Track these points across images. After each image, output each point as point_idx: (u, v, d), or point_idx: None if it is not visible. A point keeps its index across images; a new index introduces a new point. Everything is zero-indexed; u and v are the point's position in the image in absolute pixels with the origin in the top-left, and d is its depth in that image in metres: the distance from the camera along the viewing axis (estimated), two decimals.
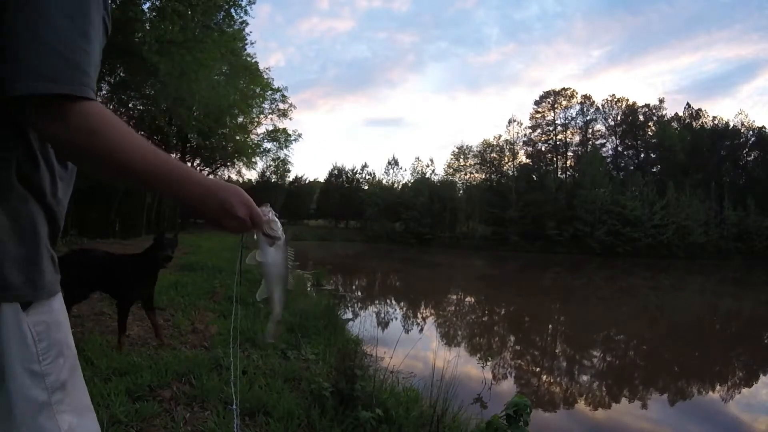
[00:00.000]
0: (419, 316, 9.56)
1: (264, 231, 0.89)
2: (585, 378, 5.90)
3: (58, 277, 0.82)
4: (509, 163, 45.07)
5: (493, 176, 45.30)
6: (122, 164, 0.72)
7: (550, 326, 9.56)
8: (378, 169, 76.19)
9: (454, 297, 13.00)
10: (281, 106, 32.93)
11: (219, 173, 36.85)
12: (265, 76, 29.47)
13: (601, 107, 47.37)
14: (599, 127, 47.45)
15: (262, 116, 32.48)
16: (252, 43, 27.34)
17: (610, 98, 47.68)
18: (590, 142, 46.38)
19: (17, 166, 0.72)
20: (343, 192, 49.25)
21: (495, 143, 45.36)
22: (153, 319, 3.34)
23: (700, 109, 47.20)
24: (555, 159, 47.06)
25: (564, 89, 47.20)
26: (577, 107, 46.99)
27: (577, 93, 47.03)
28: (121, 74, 14.43)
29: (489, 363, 5.79)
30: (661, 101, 47.31)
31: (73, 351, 0.85)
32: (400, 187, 46.13)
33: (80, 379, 0.86)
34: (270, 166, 48.67)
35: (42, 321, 0.77)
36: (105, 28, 0.78)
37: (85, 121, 0.68)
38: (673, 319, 10.50)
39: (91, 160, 0.72)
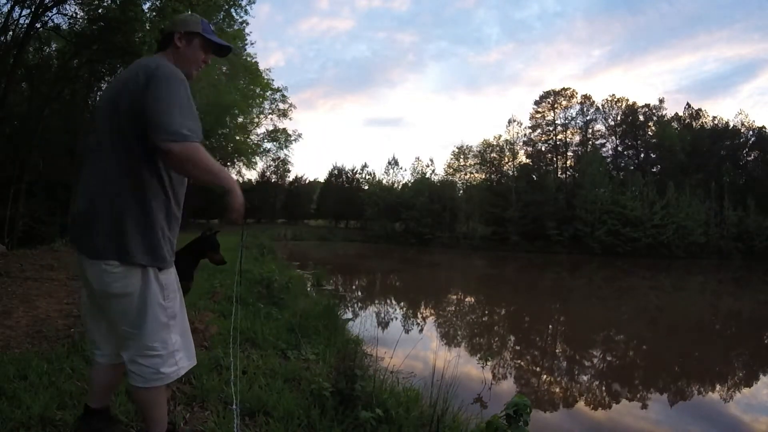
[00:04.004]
0: (419, 316, 9.56)
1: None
2: (585, 378, 5.90)
3: (173, 257, 1.58)
4: (509, 163, 45.02)
5: (493, 176, 45.23)
6: (204, 177, 1.46)
7: (550, 326, 9.56)
8: (378, 169, 76.06)
9: (454, 297, 13.00)
10: (281, 106, 33.02)
11: None
12: (265, 77, 29.48)
13: (601, 107, 47.33)
14: (599, 127, 47.42)
15: (262, 116, 32.54)
16: (252, 43, 27.38)
17: (610, 98, 47.64)
18: (590, 142, 46.33)
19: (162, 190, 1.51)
20: (343, 192, 49.22)
21: (495, 143, 45.30)
22: None
23: (700, 109, 47.18)
24: (555, 159, 47.01)
25: (564, 89, 47.18)
26: (577, 107, 46.93)
27: (577, 93, 47.00)
28: None
29: (489, 363, 5.80)
30: (661, 101, 47.24)
31: (181, 297, 1.64)
32: (400, 187, 46.07)
33: (184, 313, 1.65)
34: (270, 166, 48.92)
35: (166, 278, 1.54)
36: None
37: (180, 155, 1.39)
38: (673, 319, 10.50)
39: (190, 174, 1.49)
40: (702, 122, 46.36)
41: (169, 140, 1.36)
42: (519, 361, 6.54)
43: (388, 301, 11.40)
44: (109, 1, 10.88)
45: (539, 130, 47.07)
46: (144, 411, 1.61)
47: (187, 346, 1.62)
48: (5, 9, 11.47)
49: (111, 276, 1.44)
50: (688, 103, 50.65)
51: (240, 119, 28.87)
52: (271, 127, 33.83)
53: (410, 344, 5.00)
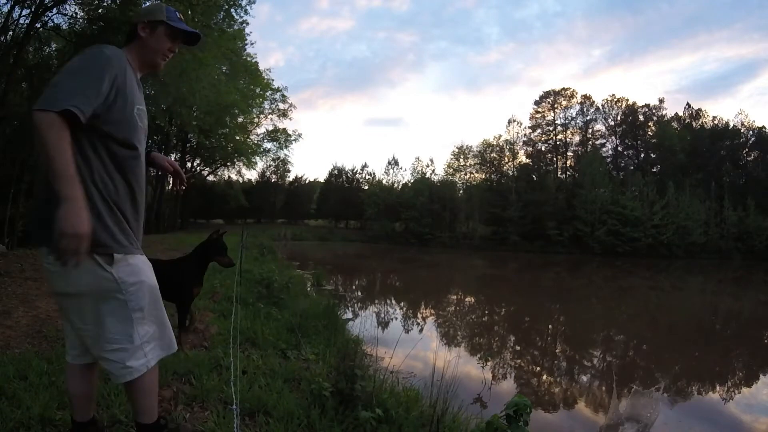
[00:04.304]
0: (419, 316, 9.56)
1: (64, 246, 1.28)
2: (585, 378, 5.90)
3: (122, 244, 1.44)
4: (509, 163, 45.07)
5: (493, 176, 45.26)
6: (45, 160, 1.27)
7: (550, 326, 9.56)
8: (378, 169, 76.23)
9: (454, 297, 13.00)
10: (281, 106, 33.00)
11: (219, 173, 36.93)
12: (265, 77, 29.47)
13: (601, 107, 47.41)
14: (599, 127, 47.50)
15: (262, 116, 32.50)
16: (252, 43, 27.37)
17: (610, 98, 47.73)
18: (590, 142, 46.40)
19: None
20: (343, 192, 49.23)
21: (495, 143, 45.37)
22: (192, 312, 3.59)
23: (700, 109, 47.25)
24: (555, 159, 47.06)
25: (564, 89, 47.25)
26: (577, 107, 47.04)
27: (577, 93, 47.09)
28: None
29: (489, 363, 5.79)
30: (661, 101, 47.33)
31: (150, 285, 1.52)
32: (400, 187, 46.10)
33: (157, 302, 1.55)
34: (270, 166, 48.90)
35: (120, 269, 1.42)
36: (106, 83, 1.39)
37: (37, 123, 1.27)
38: (673, 319, 10.50)
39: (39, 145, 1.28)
40: (702, 122, 46.41)
41: (37, 106, 1.27)
42: (519, 361, 6.54)
43: (388, 301, 11.40)
44: (109, 1, 10.88)
45: (539, 130, 47.15)
46: (131, 400, 1.59)
47: (163, 335, 1.56)
48: (5, 9, 11.47)
49: (52, 274, 1.41)
50: (688, 103, 50.79)
51: (240, 119, 28.83)
52: (271, 127, 33.81)
53: (410, 344, 4.99)
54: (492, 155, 45.16)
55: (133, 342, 1.46)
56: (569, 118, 47.00)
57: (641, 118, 46.77)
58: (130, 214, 1.49)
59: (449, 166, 46.93)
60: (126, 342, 1.45)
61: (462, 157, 46.56)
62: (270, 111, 32.80)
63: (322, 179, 54.55)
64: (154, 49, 1.58)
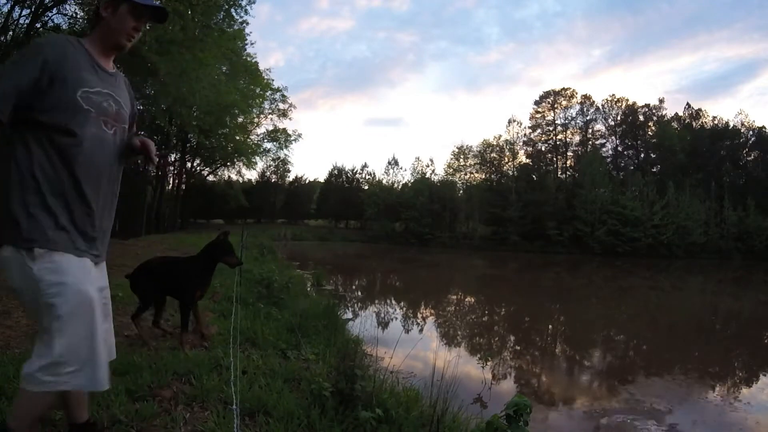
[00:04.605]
0: (419, 316, 9.56)
1: None
2: (585, 378, 5.90)
3: (54, 242, 1.35)
4: (509, 163, 45.10)
5: (493, 176, 45.30)
6: None
7: (550, 326, 9.56)
8: (378, 169, 76.25)
9: (454, 297, 13.00)
10: (281, 106, 32.96)
11: (219, 173, 36.90)
12: (265, 77, 29.44)
13: (601, 107, 47.46)
14: (599, 127, 47.57)
15: (262, 116, 32.47)
16: (252, 43, 27.32)
17: (610, 98, 47.78)
18: (590, 142, 46.43)
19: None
20: (343, 192, 49.26)
21: (495, 143, 45.41)
22: (198, 314, 3.56)
23: (700, 109, 47.32)
24: (555, 159, 47.09)
25: (564, 89, 47.28)
26: (577, 107, 47.10)
27: (577, 93, 47.12)
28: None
29: (489, 363, 5.79)
30: (661, 101, 47.41)
31: (78, 296, 1.34)
32: (400, 187, 46.15)
33: (90, 323, 1.35)
34: (270, 166, 48.92)
35: (43, 267, 1.31)
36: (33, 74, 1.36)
37: None
38: (673, 319, 10.50)
39: None
40: (702, 122, 46.45)
41: None
42: (519, 361, 6.53)
43: (388, 301, 11.39)
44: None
45: (539, 130, 47.18)
46: (16, 399, 1.50)
47: (87, 363, 1.35)
48: (5, 9, 11.46)
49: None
50: (688, 103, 50.86)
51: (240, 119, 28.80)
52: (271, 127, 33.78)
53: (410, 344, 5.00)
54: (492, 155, 45.18)
55: (52, 354, 1.31)
56: (569, 118, 47.11)
57: (641, 118, 46.81)
58: (77, 207, 1.41)
59: (449, 166, 47.01)
60: (45, 350, 1.32)
61: (462, 157, 46.63)
62: (270, 111, 32.79)
63: (322, 179, 54.72)
64: (117, 29, 1.50)
